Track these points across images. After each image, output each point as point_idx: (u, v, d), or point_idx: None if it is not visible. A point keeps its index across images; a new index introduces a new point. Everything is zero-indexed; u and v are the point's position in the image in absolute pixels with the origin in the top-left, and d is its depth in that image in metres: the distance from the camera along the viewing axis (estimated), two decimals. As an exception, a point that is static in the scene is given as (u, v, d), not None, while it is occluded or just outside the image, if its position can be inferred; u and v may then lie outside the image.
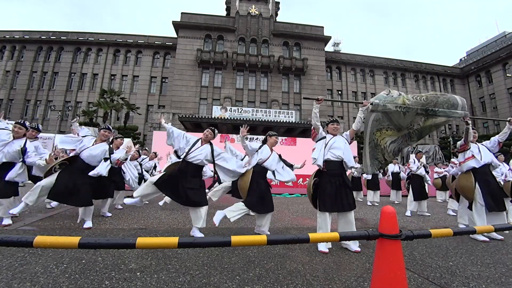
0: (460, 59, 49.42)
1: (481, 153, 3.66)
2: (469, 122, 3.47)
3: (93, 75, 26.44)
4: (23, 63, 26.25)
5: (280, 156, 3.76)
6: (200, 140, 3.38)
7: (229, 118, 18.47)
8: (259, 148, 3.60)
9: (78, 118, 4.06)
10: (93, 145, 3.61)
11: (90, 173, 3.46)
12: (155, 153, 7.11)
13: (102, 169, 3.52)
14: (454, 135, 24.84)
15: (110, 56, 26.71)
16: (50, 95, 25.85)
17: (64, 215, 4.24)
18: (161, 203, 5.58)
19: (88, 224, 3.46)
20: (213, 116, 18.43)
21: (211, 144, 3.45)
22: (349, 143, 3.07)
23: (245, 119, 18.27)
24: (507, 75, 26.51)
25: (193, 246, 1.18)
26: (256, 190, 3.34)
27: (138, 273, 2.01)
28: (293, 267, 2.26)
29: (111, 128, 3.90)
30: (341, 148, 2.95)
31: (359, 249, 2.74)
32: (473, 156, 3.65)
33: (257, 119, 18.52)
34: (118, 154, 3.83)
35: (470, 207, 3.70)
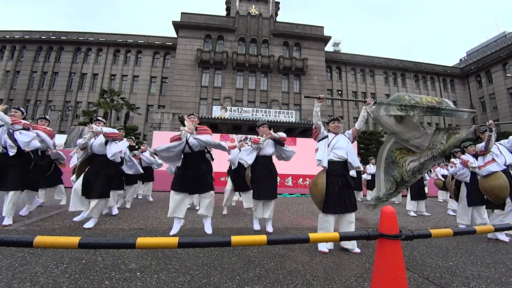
0: (460, 59, 49.38)
1: (503, 155, 3.55)
2: (494, 128, 3.42)
3: (93, 75, 26.43)
4: (23, 63, 26.24)
5: (275, 140, 3.72)
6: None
7: (229, 118, 18.47)
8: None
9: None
10: (95, 138, 3.79)
11: (110, 157, 3.68)
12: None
13: (113, 149, 3.69)
14: (454, 135, 24.80)
15: (110, 56, 26.71)
16: (50, 95, 25.84)
17: (64, 215, 4.24)
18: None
19: (90, 224, 3.48)
20: (213, 116, 18.44)
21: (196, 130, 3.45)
22: (352, 142, 3.05)
23: (245, 119, 18.28)
24: (507, 75, 26.51)
25: (193, 246, 1.18)
26: (256, 180, 3.62)
27: (138, 273, 2.01)
28: (293, 267, 2.26)
29: (100, 118, 4.00)
30: (344, 148, 2.91)
31: (359, 250, 2.73)
32: (493, 160, 3.54)
33: (257, 119, 18.51)
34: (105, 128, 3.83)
35: (488, 207, 3.65)
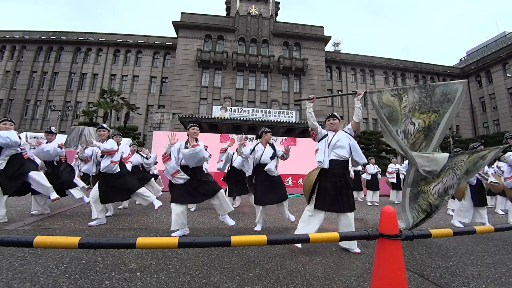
0: (460, 59, 49.36)
1: None
2: None
3: (93, 75, 26.43)
4: (23, 63, 26.24)
5: (273, 146, 3.83)
6: (187, 141, 3.41)
7: (229, 118, 18.45)
8: (253, 148, 3.78)
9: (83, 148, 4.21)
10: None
11: (102, 170, 3.74)
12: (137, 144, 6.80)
13: (104, 165, 3.75)
14: (454, 135, 24.83)
15: (110, 56, 26.71)
16: (50, 95, 25.84)
17: (64, 215, 4.24)
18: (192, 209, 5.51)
19: (158, 204, 3.91)
20: (213, 116, 18.42)
21: (196, 141, 3.44)
22: (353, 137, 2.94)
23: (245, 119, 18.28)
24: (507, 75, 26.49)
25: (193, 246, 1.19)
26: (257, 187, 3.68)
27: (138, 273, 2.01)
28: (293, 267, 2.26)
29: (105, 126, 3.96)
30: (345, 146, 2.82)
31: (359, 250, 2.73)
32: None
33: (257, 119, 18.50)
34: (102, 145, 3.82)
35: None
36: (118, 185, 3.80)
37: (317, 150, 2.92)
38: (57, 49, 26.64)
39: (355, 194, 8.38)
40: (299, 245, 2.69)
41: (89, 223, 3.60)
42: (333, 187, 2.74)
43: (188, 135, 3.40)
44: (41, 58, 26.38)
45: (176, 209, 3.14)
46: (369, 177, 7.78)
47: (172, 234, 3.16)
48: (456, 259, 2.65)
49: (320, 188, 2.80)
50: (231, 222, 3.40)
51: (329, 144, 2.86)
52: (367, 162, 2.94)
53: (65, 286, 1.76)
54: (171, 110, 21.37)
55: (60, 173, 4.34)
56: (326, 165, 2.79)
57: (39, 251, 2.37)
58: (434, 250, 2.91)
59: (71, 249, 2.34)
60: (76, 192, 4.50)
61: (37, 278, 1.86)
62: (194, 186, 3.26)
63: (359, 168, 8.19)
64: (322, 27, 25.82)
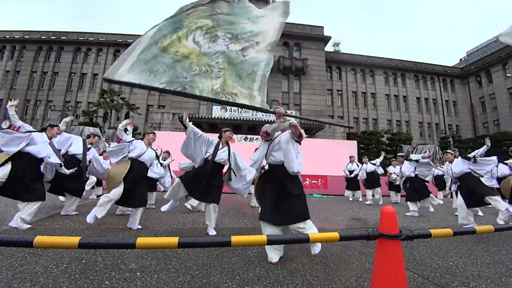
0: (460, 59, 49.27)
1: None
2: None
3: (93, 75, 26.42)
4: (23, 63, 26.24)
5: None
6: (220, 142, 3.59)
7: (229, 118, 18.46)
8: None
9: (131, 119, 4.24)
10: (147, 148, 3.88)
11: (151, 175, 3.98)
12: (168, 152, 6.02)
13: (160, 171, 4.06)
14: (454, 135, 24.83)
15: (110, 56, 26.68)
16: (50, 95, 25.84)
17: (64, 215, 4.24)
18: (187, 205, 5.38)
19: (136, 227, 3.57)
20: (213, 116, 18.43)
21: (228, 144, 3.65)
22: (297, 141, 2.54)
23: (245, 119, 18.28)
24: (507, 75, 26.48)
25: (193, 246, 1.18)
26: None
27: (138, 273, 2.01)
28: (293, 267, 2.26)
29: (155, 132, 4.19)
30: (282, 149, 2.50)
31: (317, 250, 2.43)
32: None
33: (257, 119, 18.50)
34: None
35: None
36: (137, 190, 3.55)
37: (256, 149, 2.75)
38: (57, 49, 26.63)
39: (351, 193, 8.37)
40: (274, 260, 2.31)
41: (88, 221, 3.52)
42: (273, 195, 2.44)
43: (219, 137, 3.66)
44: (41, 58, 26.37)
45: (179, 186, 3.41)
46: (364, 176, 7.78)
47: (162, 208, 3.57)
48: (456, 259, 2.65)
49: (262, 196, 2.58)
50: (213, 233, 3.41)
51: (269, 146, 2.60)
52: (298, 170, 2.45)
53: (65, 286, 1.76)
54: (171, 110, 21.35)
55: (79, 177, 4.33)
56: (256, 166, 2.75)
57: (39, 251, 2.37)
58: (434, 250, 2.91)
59: (71, 249, 2.34)
60: (73, 204, 4.37)
61: (37, 278, 1.86)
62: (207, 182, 3.34)
63: (355, 167, 8.19)
64: (322, 27, 25.78)
